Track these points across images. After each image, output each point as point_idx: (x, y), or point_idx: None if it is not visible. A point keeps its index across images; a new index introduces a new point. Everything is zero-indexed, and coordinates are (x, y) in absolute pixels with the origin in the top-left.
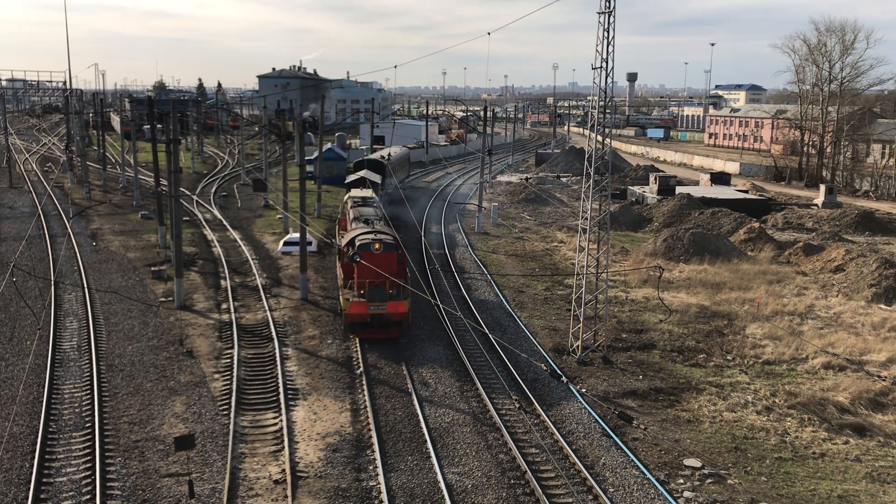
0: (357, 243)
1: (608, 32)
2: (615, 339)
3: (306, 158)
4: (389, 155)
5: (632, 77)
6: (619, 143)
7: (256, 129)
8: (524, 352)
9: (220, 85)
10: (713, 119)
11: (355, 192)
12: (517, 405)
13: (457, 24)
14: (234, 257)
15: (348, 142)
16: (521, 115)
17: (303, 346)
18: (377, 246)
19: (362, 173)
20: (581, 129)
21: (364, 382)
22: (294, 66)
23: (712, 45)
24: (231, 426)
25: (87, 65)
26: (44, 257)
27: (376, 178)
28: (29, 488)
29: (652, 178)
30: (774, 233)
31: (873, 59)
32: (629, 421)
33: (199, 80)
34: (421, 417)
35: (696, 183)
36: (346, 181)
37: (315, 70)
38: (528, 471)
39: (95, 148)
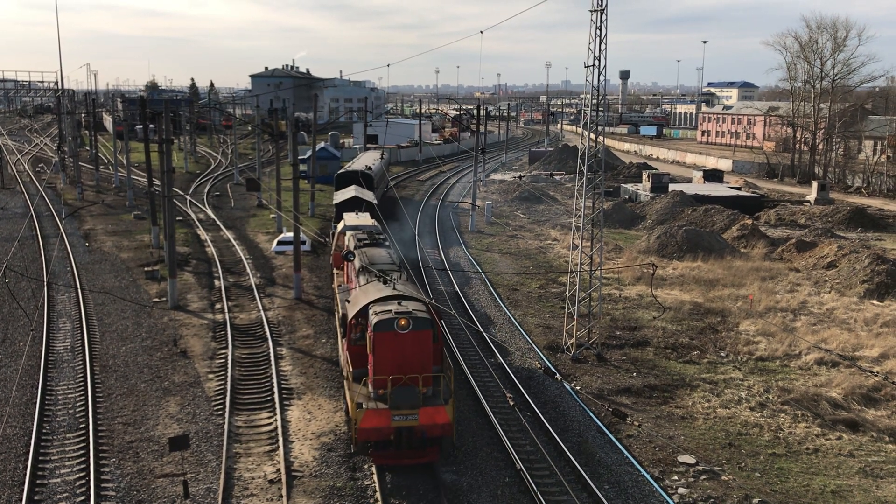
0: (374, 319)
1: (601, 30)
2: (609, 336)
3: (299, 157)
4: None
5: (624, 75)
6: (612, 140)
7: (249, 128)
8: (519, 350)
9: (212, 84)
10: (706, 116)
11: (351, 219)
12: (512, 403)
13: (450, 23)
14: (227, 257)
15: (341, 141)
16: (514, 114)
17: (297, 346)
18: (403, 323)
19: (352, 190)
20: (574, 127)
21: None
22: (287, 66)
23: (704, 42)
24: (226, 426)
25: (78, 65)
26: (36, 258)
27: (369, 195)
28: (23, 490)
29: (645, 176)
30: (767, 229)
31: (865, 56)
32: (623, 418)
33: (192, 79)
34: None
35: (689, 180)
36: (336, 201)
37: (308, 69)
38: (524, 468)
39: (88, 148)
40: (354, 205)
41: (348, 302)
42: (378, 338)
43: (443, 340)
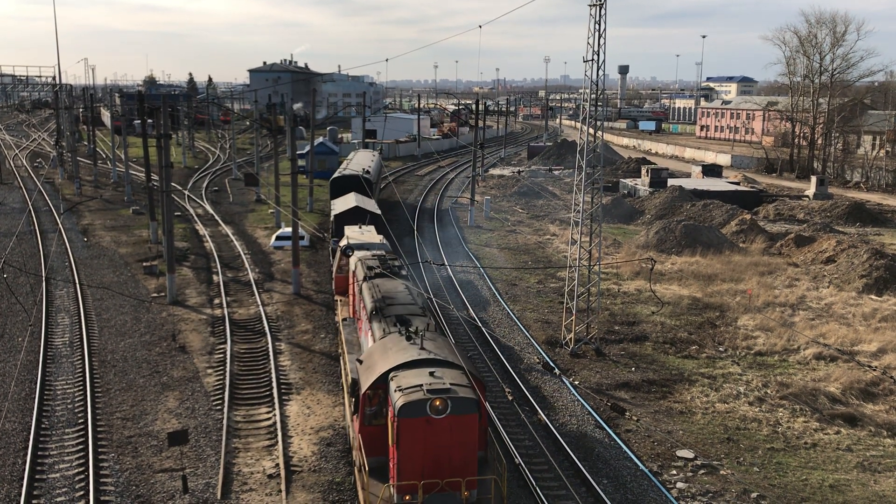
0: (398, 399)
1: (599, 25)
2: (608, 331)
3: (298, 153)
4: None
5: (623, 69)
6: (611, 135)
7: (247, 123)
8: (517, 344)
9: (210, 79)
10: (705, 111)
11: (355, 235)
12: (510, 397)
13: (449, 17)
14: (226, 252)
15: (340, 135)
16: (512, 109)
17: (296, 341)
18: (439, 405)
19: (353, 199)
20: (573, 122)
21: None
22: (285, 60)
23: (703, 37)
24: (224, 421)
25: (76, 59)
26: (35, 253)
27: (372, 205)
28: (22, 485)
29: (644, 171)
30: (766, 224)
31: (864, 50)
32: (622, 413)
33: (190, 74)
34: None
35: (688, 175)
36: (334, 211)
37: (306, 64)
38: (522, 463)
39: (86, 143)
40: (356, 216)
41: (360, 362)
42: (405, 426)
43: (487, 419)
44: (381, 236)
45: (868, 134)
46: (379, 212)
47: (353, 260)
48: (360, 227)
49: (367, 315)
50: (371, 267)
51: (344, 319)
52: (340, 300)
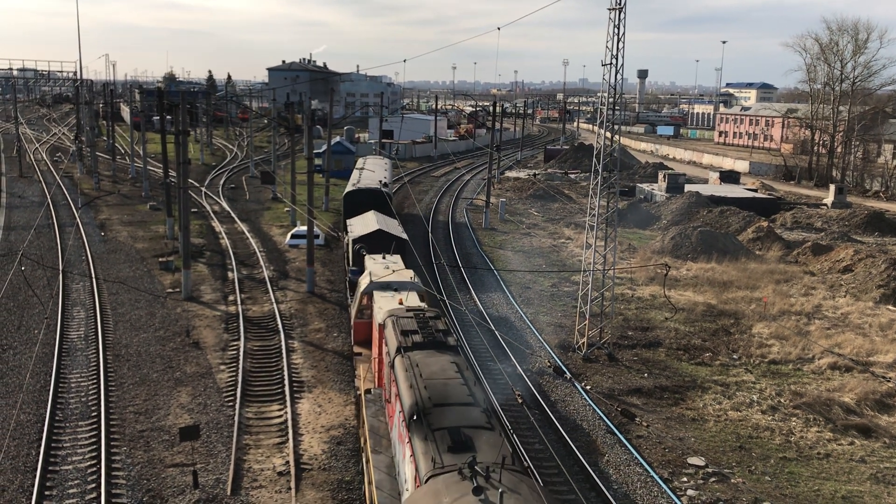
0: None
1: (619, 29)
2: (621, 336)
3: (315, 152)
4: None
5: (642, 74)
6: (629, 140)
7: (265, 121)
8: (530, 348)
9: (229, 77)
10: (723, 117)
11: (379, 269)
12: (521, 400)
13: (468, 19)
14: (241, 249)
15: (357, 135)
16: (530, 111)
17: (309, 339)
18: None
19: (374, 221)
20: (590, 126)
21: None
22: (304, 59)
23: (724, 42)
24: (236, 417)
25: (97, 55)
26: (52, 247)
27: (396, 226)
28: (35, 476)
29: (661, 176)
30: (783, 232)
31: (886, 58)
32: (632, 418)
33: (210, 71)
34: None
35: (706, 181)
36: (352, 234)
37: (325, 63)
38: (531, 466)
39: (105, 138)
40: (378, 241)
41: None
42: None
43: None
44: (411, 271)
45: (889, 143)
46: (405, 236)
47: (379, 310)
48: (384, 258)
49: (405, 417)
50: (407, 332)
51: (367, 391)
52: (362, 355)
